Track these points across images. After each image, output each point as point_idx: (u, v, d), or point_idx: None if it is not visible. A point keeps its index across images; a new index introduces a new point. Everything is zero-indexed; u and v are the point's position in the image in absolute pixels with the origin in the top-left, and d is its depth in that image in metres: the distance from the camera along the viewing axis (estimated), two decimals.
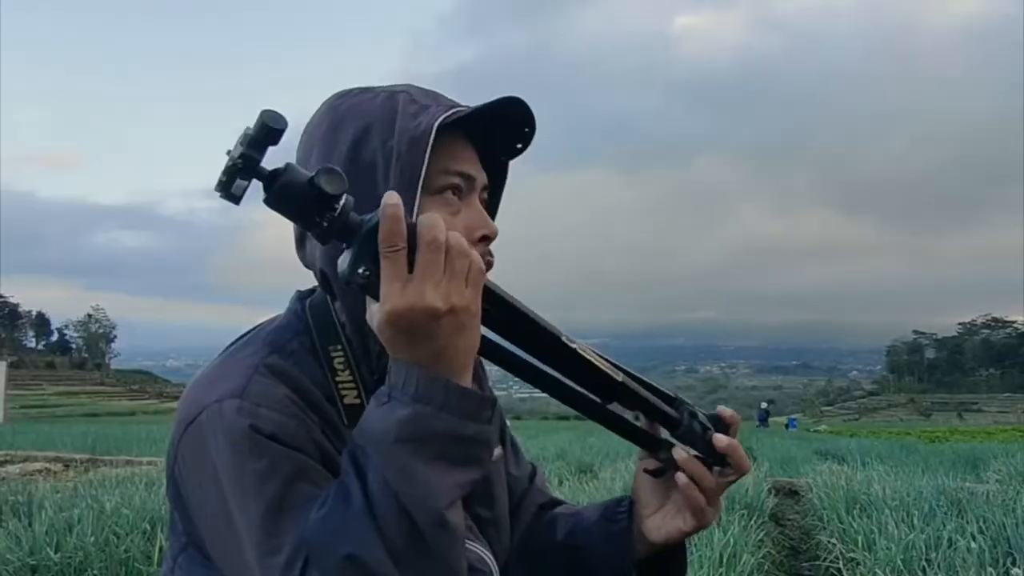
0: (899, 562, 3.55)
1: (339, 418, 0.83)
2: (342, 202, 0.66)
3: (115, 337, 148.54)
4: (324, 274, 0.87)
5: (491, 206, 0.97)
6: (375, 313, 0.69)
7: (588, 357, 0.80)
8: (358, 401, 0.84)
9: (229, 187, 0.63)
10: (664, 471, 0.93)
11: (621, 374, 0.84)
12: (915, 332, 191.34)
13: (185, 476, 0.79)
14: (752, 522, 4.84)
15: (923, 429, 40.10)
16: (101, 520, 4.51)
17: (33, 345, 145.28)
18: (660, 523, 0.97)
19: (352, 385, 0.85)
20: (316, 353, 0.86)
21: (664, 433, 0.93)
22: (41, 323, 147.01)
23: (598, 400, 0.85)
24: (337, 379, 0.85)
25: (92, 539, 4.16)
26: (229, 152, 0.63)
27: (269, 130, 0.62)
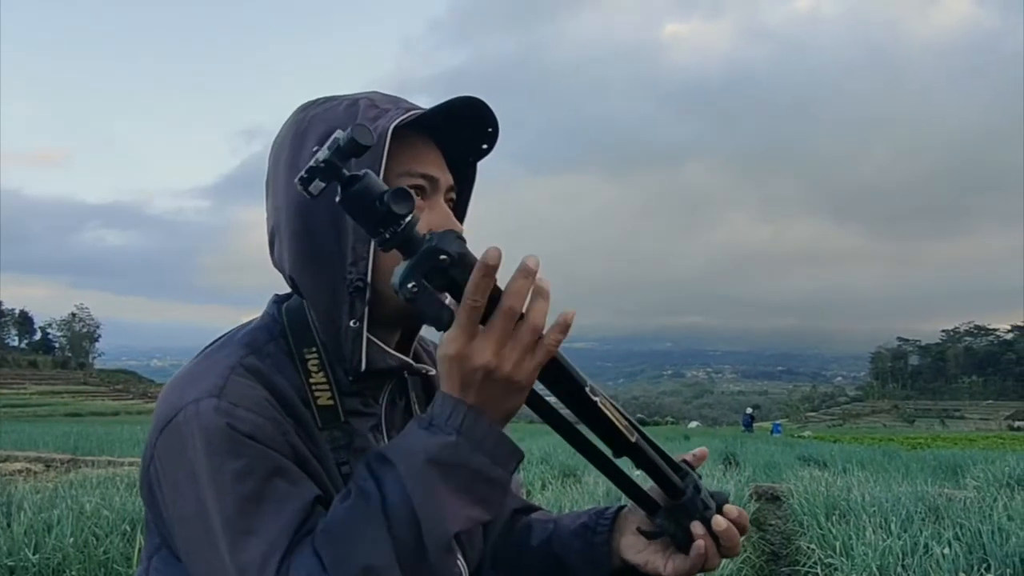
0: (875, 568, 3.59)
1: (313, 420, 0.85)
2: (407, 220, 0.68)
3: (99, 336, 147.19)
4: (292, 279, 0.89)
5: (459, 207, 0.98)
6: (443, 343, 0.72)
7: (607, 413, 0.81)
8: (331, 403, 0.87)
9: (308, 184, 0.67)
10: (658, 535, 0.93)
11: (636, 435, 0.84)
12: (899, 339, 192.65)
13: (161, 476, 0.80)
14: None
15: (906, 435, 40.35)
16: (81, 521, 4.49)
17: (16, 344, 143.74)
18: (640, 547, 0.97)
19: (326, 387, 0.87)
20: (291, 355, 0.87)
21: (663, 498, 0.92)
22: (24, 321, 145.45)
23: (608, 452, 0.86)
24: (311, 381, 0.86)
25: (71, 540, 4.14)
26: (315, 151, 0.68)
27: (356, 144, 0.65)
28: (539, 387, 0.80)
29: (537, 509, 1.17)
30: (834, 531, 4.53)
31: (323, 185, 0.67)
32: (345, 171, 0.67)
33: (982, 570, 3.66)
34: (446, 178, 0.91)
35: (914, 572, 3.48)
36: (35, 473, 9.57)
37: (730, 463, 12.54)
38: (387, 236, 0.69)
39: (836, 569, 3.92)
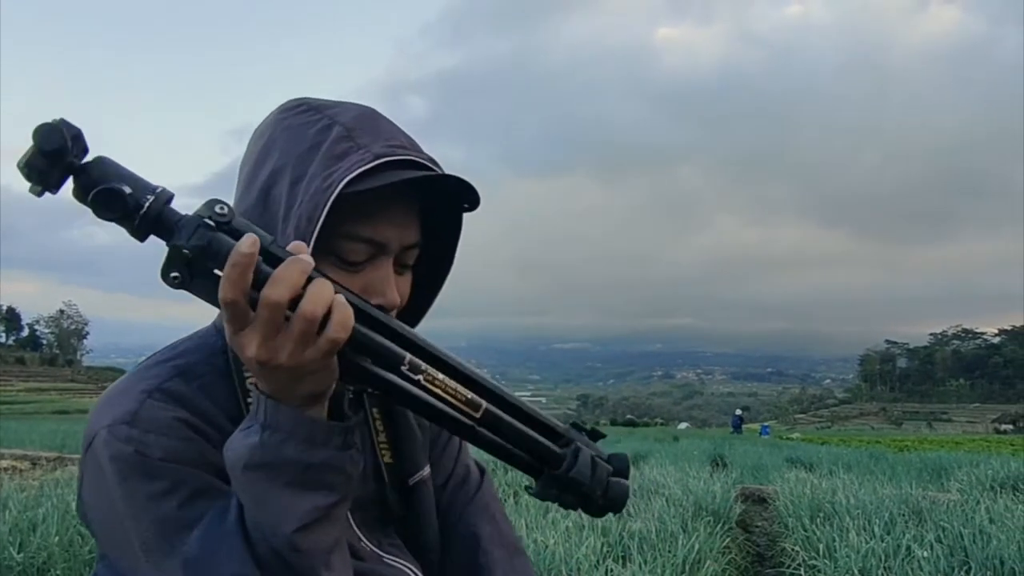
0: (857, 570, 3.61)
1: None
2: (147, 205, 0.63)
3: (87, 334, 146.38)
4: None
5: (437, 254, 0.94)
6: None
7: (436, 390, 0.74)
8: None
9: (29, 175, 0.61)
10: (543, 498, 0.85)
11: (481, 410, 0.77)
12: (887, 342, 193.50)
13: (86, 498, 0.83)
14: (718, 528, 4.89)
15: (893, 438, 40.58)
16: (66, 520, 4.46)
17: (3, 340, 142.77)
18: None
19: None
20: (229, 375, 0.87)
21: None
22: (11, 318, 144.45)
23: (468, 422, 0.77)
24: (248, 400, 0.85)
25: (56, 539, 4.12)
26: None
27: (42, 153, 0.60)
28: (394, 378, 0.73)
29: (503, 538, 1.10)
30: (818, 533, 4.56)
31: (39, 188, 0.61)
32: (74, 162, 0.61)
33: (963, 573, 3.70)
34: (401, 238, 0.84)
35: (895, 574, 3.51)
36: (21, 471, 9.51)
37: (718, 464, 12.59)
38: (136, 223, 0.64)
39: (819, 571, 3.94)
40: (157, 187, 0.65)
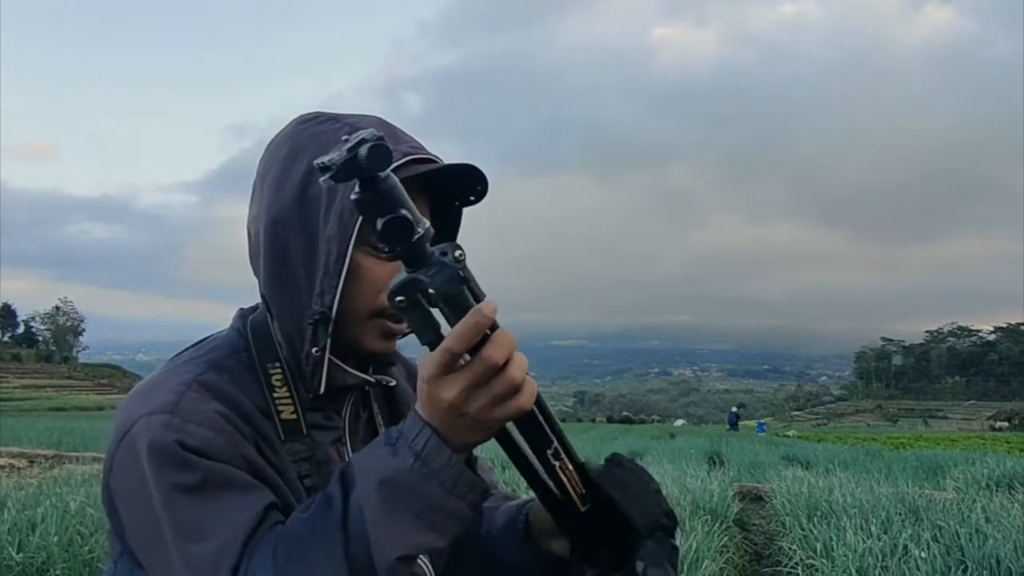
0: (855, 570, 3.64)
1: (275, 433, 0.88)
2: (419, 235, 0.67)
3: (83, 330, 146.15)
4: (264, 296, 0.93)
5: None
6: (422, 364, 0.72)
7: (562, 478, 0.79)
8: (294, 416, 0.90)
9: (323, 173, 0.66)
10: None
11: (587, 507, 0.81)
12: (883, 339, 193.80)
13: (117, 486, 0.83)
14: (716, 527, 4.91)
15: (889, 435, 40.68)
16: (65, 519, 4.48)
17: None
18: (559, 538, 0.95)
19: (289, 401, 0.91)
20: (255, 370, 0.91)
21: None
22: (7, 315, 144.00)
23: (581, 511, 0.81)
24: (275, 395, 0.90)
25: (56, 539, 4.13)
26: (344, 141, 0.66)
27: (370, 165, 0.64)
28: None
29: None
30: (815, 532, 4.59)
31: (324, 184, 0.66)
32: (377, 175, 0.65)
33: (959, 572, 3.72)
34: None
35: (893, 574, 3.53)
36: (19, 469, 9.52)
37: (715, 462, 12.62)
38: (385, 250, 0.72)
39: (817, 570, 3.97)
40: (421, 219, 0.68)
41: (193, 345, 0.97)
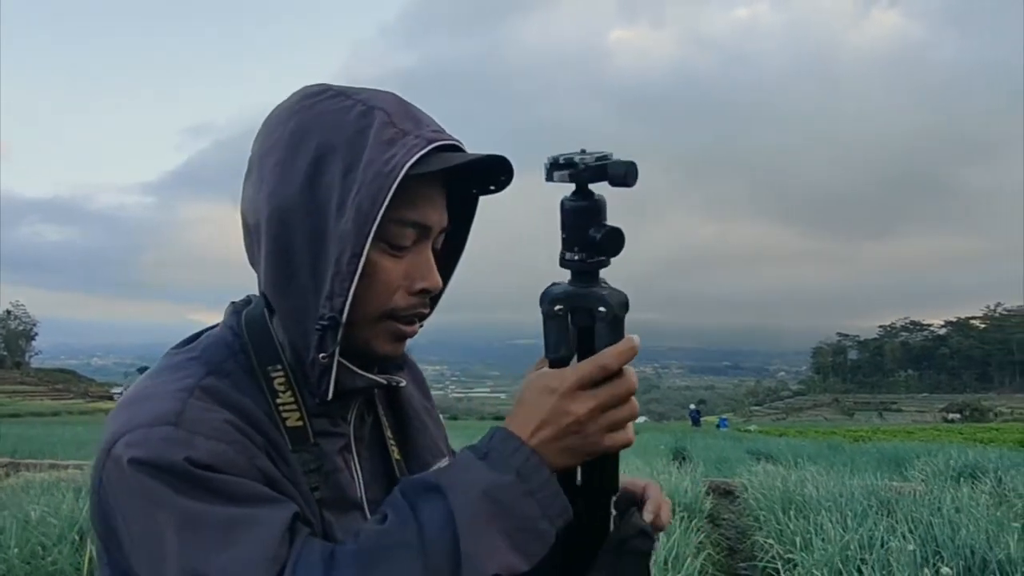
0: (837, 562, 3.66)
1: (283, 441, 0.79)
2: (603, 259, 0.73)
3: (36, 335, 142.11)
4: (265, 296, 0.84)
5: (456, 239, 0.93)
6: (547, 376, 0.73)
7: (610, 526, 0.80)
8: (301, 423, 0.81)
9: (551, 173, 0.71)
10: None
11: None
12: (839, 334, 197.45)
13: (113, 504, 0.73)
14: (692, 524, 4.92)
15: (847, 428, 41.55)
16: (26, 531, 4.31)
17: None
18: None
19: (294, 407, 0.81)
20: (254, 373, 0.82)
21: None
22: None
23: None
24: (278, 401, 0.81)
25: (16, 551, 3.97)
26: (584, 152, 0.71)
27: (614, 181, 0.69)
28: None
29: None
30: (792, 526, 4.61)
31: (564, 175, 0.70)
32: (586, 176, 0.70)
33: (936, 562, 3.76)
34: (441, 222, 0.84)
35: (874, 566, 3.55)
36: None
37: (681, 458, 12.71)
38: (575, 258, 0.73)
39: (797, 564, 3.98)
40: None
41: (182, 344, 0.87)
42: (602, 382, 0.72)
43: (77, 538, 4.31)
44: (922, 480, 7.33)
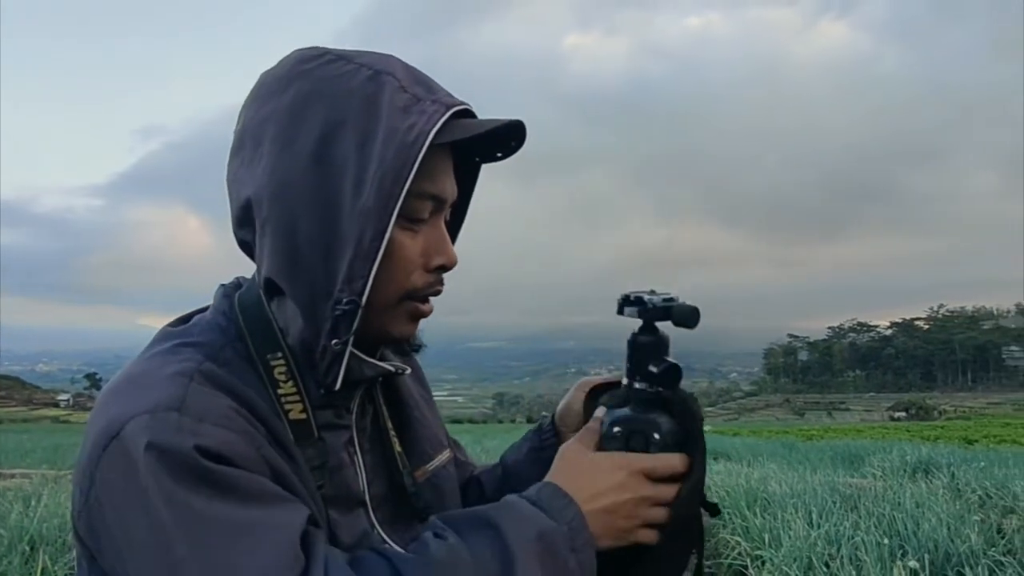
0: (806, 558, 3.68)
1: (287, 435, 0.73)
2: (658, 392, 0.79)
3: None
4: (269, 281, 0.76)
5: (459, 211, 0.89)
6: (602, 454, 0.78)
7: None
8: (304, 416, 0.75)
9: (623, 307, 0.80)
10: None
11: None
12: (789, 336, 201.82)
13: (106, 503, 0.65)
14: None
15: (800, 428, 42.38)
16: None
17: None
18: None
19: (296, 398, 0.75)
20: (252, 361, 0.75)
21: None
22: None
23: None
24: (280, 392, 0.74)
25: None
26: (653, 292, 0.79)
27: (677, 321, 0.76)
28: None
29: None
30: (759, 523, 4.64)
31: (628, 313, 0.79)
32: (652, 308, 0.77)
33: (899, 556, 3.81)
34: (453, 192, 0.80)
35: (843, 560, 3.59)
36: None
37: None
38: (636, 386, 0.80)
39: (766, 561, 4.00)
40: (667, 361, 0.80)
41: (173, 325, 0.80)
42: (659, 481, 0.76)
43: (28, 548, 4.13)
44: (880, 476, 7.46)
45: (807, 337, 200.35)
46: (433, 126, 0.70)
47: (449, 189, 0.79)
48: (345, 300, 0.71)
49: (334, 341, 0.72)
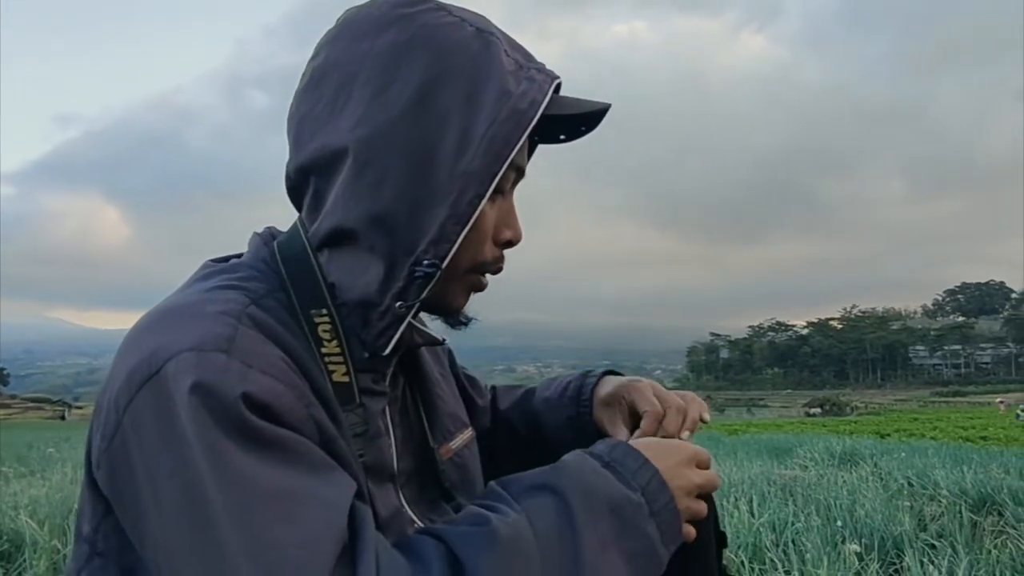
0: (751, 544, 3.74)
1: (332, 396, 0.67)
2: None
3: None
4: (335, 232, 0.69)
5: None
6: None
7: None
8: (347, 379, 0.69)
9: None
10: None
11: None
12: (712, 334, 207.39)
13: (134, 449, 0.57)
14: None
15: (722, 423, 43.64)
16: None
17: None
18: (613, 419, 0.98)
19: (340, 360, 0.69)
20: (295, 315, 0.68)
21: None
22: None
23: None
24: (323, 350, 0.68)
25: None
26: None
27: None
28: None
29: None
30: None
31: None
32: None
33: (840, 540, 3.93)
34: (526, 168, 0.80)
35: (788, 545, 3.66)
36: None
37: None
38: None
39: None
40: None
41: (216, 267, 0.73)
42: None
43: None
44: (811, 466, 7.69)
45: (728, 336, 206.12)
46: (545, 95, 0.69)
47: (525, 162, 0.78)
48: (427, 262, 0.67)
49: (399, 303, 0.68)
